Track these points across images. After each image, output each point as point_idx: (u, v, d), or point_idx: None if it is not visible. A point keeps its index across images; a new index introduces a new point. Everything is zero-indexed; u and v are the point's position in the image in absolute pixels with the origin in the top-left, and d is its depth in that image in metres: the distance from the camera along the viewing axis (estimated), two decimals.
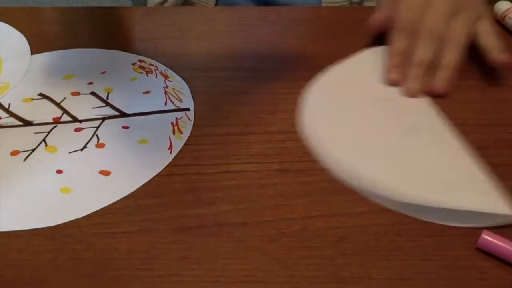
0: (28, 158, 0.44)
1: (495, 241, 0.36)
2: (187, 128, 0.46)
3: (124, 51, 0.55)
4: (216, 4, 0.69)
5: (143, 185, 0.42)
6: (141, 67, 0.53)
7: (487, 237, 0.37)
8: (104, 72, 0.52)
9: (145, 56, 0.55)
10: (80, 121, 0.47)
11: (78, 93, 0.50)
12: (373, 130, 0.46)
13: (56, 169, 0.43)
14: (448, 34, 0.51)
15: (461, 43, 0.51)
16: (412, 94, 0.49)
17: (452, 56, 0.51)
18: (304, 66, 0.53)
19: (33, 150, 0.44)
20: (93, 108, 0.48)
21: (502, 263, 0.36)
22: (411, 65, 0.51)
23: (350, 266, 0.36)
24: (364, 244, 0.38)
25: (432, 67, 0.51)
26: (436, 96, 0.50)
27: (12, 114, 0.47)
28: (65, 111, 0.48)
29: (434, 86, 0.50)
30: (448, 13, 0.52)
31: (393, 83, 0.50)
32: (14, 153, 0.44)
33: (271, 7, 0.62)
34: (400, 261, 0.37)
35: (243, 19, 0.51)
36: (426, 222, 0.39)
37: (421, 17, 0.51)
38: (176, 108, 0.48)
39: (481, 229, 0.37)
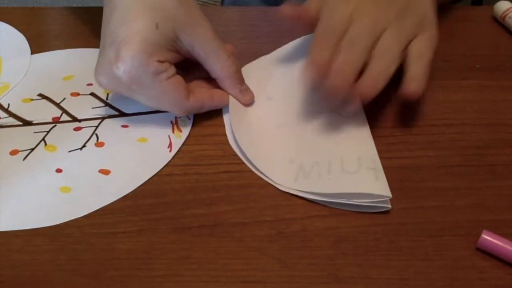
0: (28, 157, 0.43)
1: (495, 241, 0.36)
2: (186, 127, 0.46)
3: None
4: (222, 4, 0.68)
5: (143, 185, 0.42)
6: None
7: (487, 237, 0.37)
8: None
9: None
10: (80, 120, 0.47)
11: (77, 94, 0.50)
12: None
13: (55, 168, 0.43)
14: (376, 49, 0.43)
15: (390, 61, 0.43)
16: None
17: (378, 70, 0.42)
18: None
19: (32, 149, 0.44)
20: (93, 108, 0.48)
21: (502, 263, 0.36)
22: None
23: (350, 266, 0.36)
24: (364, 244, 0.38)
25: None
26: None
27: (11, 114, 0.47)
28: (64, 111, 0.48)
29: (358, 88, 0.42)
30: (378, 23, 0.43)
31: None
32: (14, 152, 0.44)
33: (271, 7, 0.62)
34: (400, 261, 0.37)
35: (243, 19, 0.51)
36: (426, 222, 0.39)
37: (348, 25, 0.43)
38: None
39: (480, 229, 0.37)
